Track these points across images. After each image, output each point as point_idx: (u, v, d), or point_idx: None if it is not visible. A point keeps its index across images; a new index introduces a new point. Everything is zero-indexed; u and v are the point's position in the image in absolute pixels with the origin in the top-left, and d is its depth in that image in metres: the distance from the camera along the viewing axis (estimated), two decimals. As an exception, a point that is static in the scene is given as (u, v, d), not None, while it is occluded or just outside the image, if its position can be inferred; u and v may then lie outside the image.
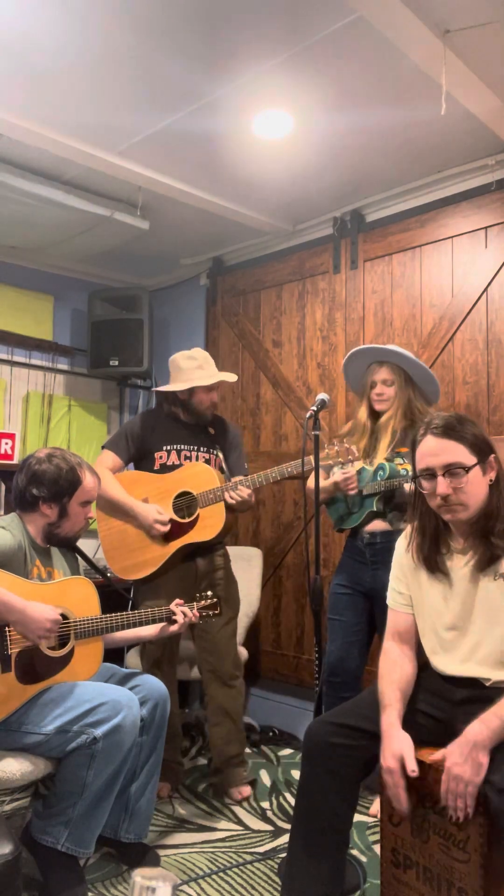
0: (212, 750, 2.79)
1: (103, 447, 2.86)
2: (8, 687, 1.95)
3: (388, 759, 1.65)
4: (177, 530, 2.65)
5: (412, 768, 1.61)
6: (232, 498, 2.55)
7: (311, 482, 2.52)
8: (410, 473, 2.49)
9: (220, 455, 2.83)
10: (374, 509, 2.55)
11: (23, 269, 3.92)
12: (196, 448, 2.80)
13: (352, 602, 2.64)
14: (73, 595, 2.11)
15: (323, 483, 2.62)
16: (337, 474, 2.55)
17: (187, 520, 2.64)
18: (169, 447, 2.80)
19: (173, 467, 2.75)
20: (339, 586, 2.68)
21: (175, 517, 2.65)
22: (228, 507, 2.59)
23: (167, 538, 2.66)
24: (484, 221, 2.94)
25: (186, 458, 2.78)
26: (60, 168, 2.98)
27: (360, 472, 2.62)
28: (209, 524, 2.60)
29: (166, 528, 2.63)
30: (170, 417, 2.85)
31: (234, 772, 2.76)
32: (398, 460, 2.54)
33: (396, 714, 1.72)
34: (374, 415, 2.68)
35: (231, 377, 2.78)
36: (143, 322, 3.84)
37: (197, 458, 2.78)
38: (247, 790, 2.76)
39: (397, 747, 1.65)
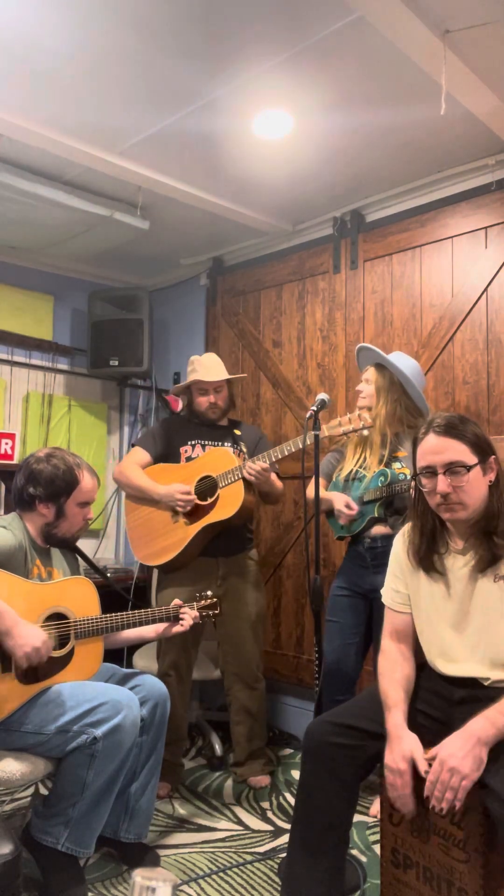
0: (235, 746, 2.89)
1: (133, 444, 2.98)
2: (8, 687, 1.94)
3: (396, 761, 1.64)
4: (199, 512, 2.69)
5: (424, 769, 1.59)
6: (249, 472, 2.58)
7: (310, 490, 2.54)
8: (409, 477, 2.50)
9: (245, 452, 2.88)
10: (376, 515, 2.56)
11: (23, 269, 3.92)
12: (220, 444, 2.89)
13: (351, 604, 2.64)
14: (73, 595, 2.11)
15: (322, 493, 2.65)
16: (339, 501, 2.57)
17: (208, 501, 2.68)
18: (193, 442, 2.89)
19: None
20: (339, 588, 2.69)
21: (197, 500, 2.70)
22: (249, 487, 2.63)
23: (190, 521, 2.70)
24: (484, 221, 2.94)
25: None
26: (60, 168, 2.98)
27: (360, 479, 2.62)
28: (228, 502, 2.64)
29: (191, 498, 2.68)
30: (192, 418, 2.97)
31: (254, 763, 2.86)
32: (396, 465, 2.56)
33: (402, 714, 1.72)
34: None
35: (210, 376, 2.85)
36: (143, 322, 3.85)
37: None
38: (265, 779, 2.83)
39: (407, 748, 1.64)
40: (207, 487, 2.71)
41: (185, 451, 2.88)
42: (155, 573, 3.30)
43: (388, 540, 2.53)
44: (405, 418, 2.62)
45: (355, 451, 2.70)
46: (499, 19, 2.06)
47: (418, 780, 1.64)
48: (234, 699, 2.86)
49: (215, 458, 2.74)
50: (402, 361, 2.64)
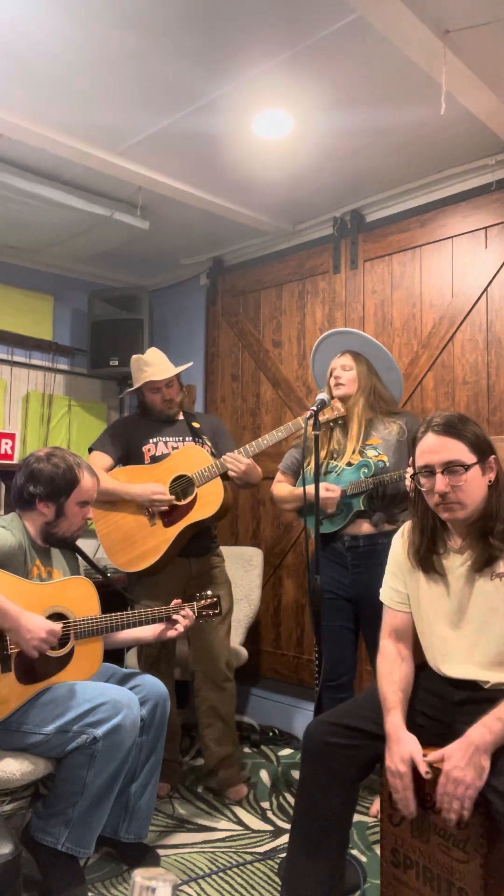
0: (204, 751, 2.80)
1: (90, 449, 2.86)
2: (8, 687, 1.94)
3: (396, 763, 1.64)
4: (177, 513, 2.64)
5: (425, 770, 1.60)
6: (234, 472, 2.55)
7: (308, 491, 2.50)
8: (389, 464, 2.47)
9: (208, 444, 2.84)
10: (361, 508, 2.49)
11: (23, 269, 3.92)
12: (182, 439, 2.83)
13: (336, 606, 2.57)
14: (72, 595, 2.11)
15: (297, 490, 2.61)
16: (320, 492, 2.46)
17: (185, 501, 2.64)
18: (156, 439, 2.82)
19: (163, 457, 2.76)
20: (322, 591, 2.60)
21: (173, 501, 2.65)
22: (227, 482, 2.60)
23: (168, 523, 2.65)
24: (484, 221, 2.94)
25: (174, 448, 2.79)
26: (60, 168, 2.98)
27: (332, 471, 2.56)
28: (209, 501, 2.59)
29: (169, 498, 2.62)
30: (147, 417, 2.89)
31: (228, 772, 2.77)
32: (371, 453, 2.51)
33: (401, 716, 1.72)
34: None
35: (160, 374, 2.78)
36: (143, 322, 3.85)
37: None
38: (243, 790, 2.76)
39: (406, 750, 1.64)
40: (183, 487, 2.66)
41: (149, 451, 2.80)
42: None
43: (369, 539, 2.49)
44: (377, 405, 2.59)
45: (322, 444, 2.60)
46: (499, 19, 2.06)
47: (419, 780, 1.64)
48: (203, 699, 2.77)
49: (188, 457, 2.68)
50: (376, 342, 2.62)
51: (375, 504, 2.51)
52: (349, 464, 2.55)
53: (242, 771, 2.84)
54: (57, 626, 1.97)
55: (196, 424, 2.88)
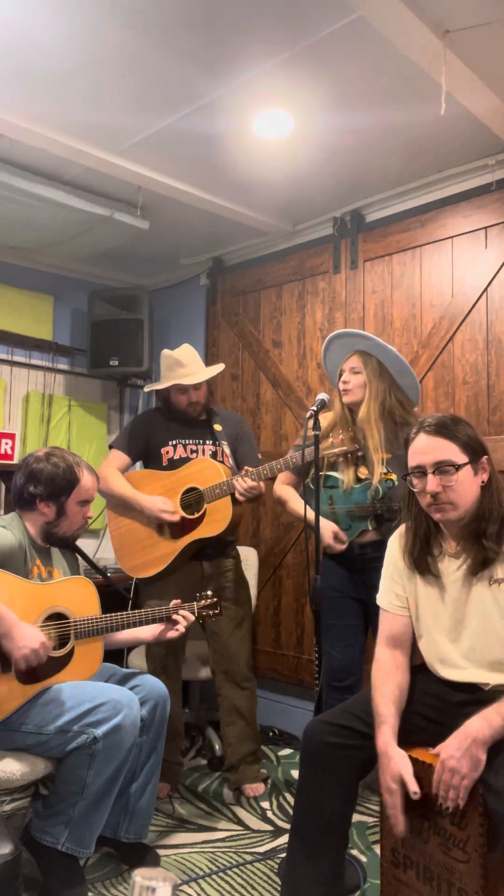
0: (226, 748, 2.83)
1: (111, 446, 2.89)
2: (8, 687, 1.95)
3: (388, 781, 1.64)
4: (185, 526, 2.65)
5: (414, 790, 1.59)
6: (241, 494, 2.53)
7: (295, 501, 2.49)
8: (397, 483, 2.41)
9: (227, 450, 2.83)
10: (368, 529, 2.46)
11: (23, 269, 3.92)
12: (201, 441, 2.82)
13: (347, 605, 2.56)
14: (72, 595, 2.11)
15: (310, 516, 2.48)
16: (327, 534, 2.43)
17: (195, 515, 2.64)
18: (175, 441, 2.81)
19: (181, 461, 2.76)
20: (331, 590, 2.57)
21: (183, 513, 2.65)
22: (236, 501, 2.58)
23: (176, 535, 2.65)
24: (484, 221, 2.94)
25: (193, 451, 2.79)
26: (60, 168, 2.97)
27: (346, 489, 2.50)
28: (217, 518, 2.59)
29: (174, 519, 2.63)
30: (169, 415, 2.88)
31: (247, 769, 2.79)
32: (382, 470, 2.45)
33: (392, 731, 1.70)
34: (350, 409, 2.55)
35: (192, 379, 2.74)
36: (143, 322, 3.84)
37: (203, 452, 2.79)
38: (259, 788, 2.78)
39: (395, 769, 1.63)
40: (194, 500, 2.65)
41: (168, 453, 2.80)
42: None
43: (377, 545, 2.44)
44: (396, 412, 2.47)
45: (347, 463, 2.50)
46: (499, 19, 2.06)
47: (419, 779, 1.64)
48: (224, 699, 2.81)
49: (202, 470, 2.66)
50: (390, 347, 2.50)
51: (384, 524, 2.45)
52: (359, 480, 2.48)
53: (261, 770, 2.86)
54: (49, 643, 1.96)
55: (218, 427, 2.86)
